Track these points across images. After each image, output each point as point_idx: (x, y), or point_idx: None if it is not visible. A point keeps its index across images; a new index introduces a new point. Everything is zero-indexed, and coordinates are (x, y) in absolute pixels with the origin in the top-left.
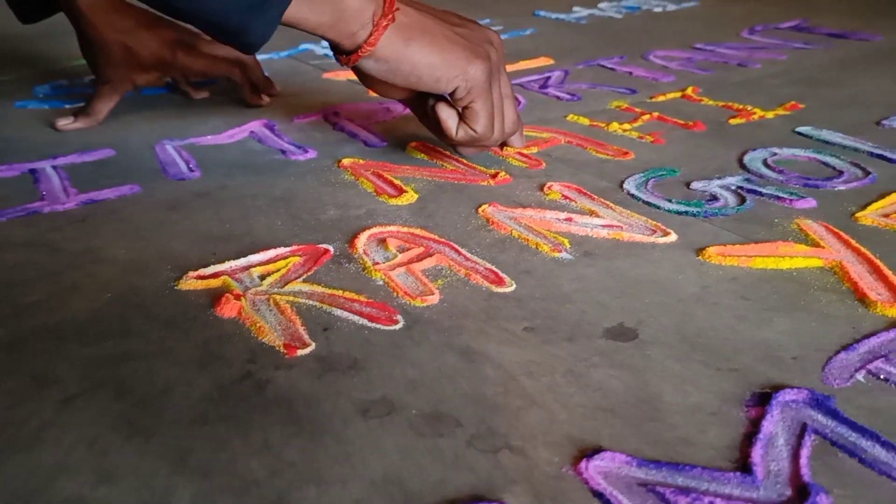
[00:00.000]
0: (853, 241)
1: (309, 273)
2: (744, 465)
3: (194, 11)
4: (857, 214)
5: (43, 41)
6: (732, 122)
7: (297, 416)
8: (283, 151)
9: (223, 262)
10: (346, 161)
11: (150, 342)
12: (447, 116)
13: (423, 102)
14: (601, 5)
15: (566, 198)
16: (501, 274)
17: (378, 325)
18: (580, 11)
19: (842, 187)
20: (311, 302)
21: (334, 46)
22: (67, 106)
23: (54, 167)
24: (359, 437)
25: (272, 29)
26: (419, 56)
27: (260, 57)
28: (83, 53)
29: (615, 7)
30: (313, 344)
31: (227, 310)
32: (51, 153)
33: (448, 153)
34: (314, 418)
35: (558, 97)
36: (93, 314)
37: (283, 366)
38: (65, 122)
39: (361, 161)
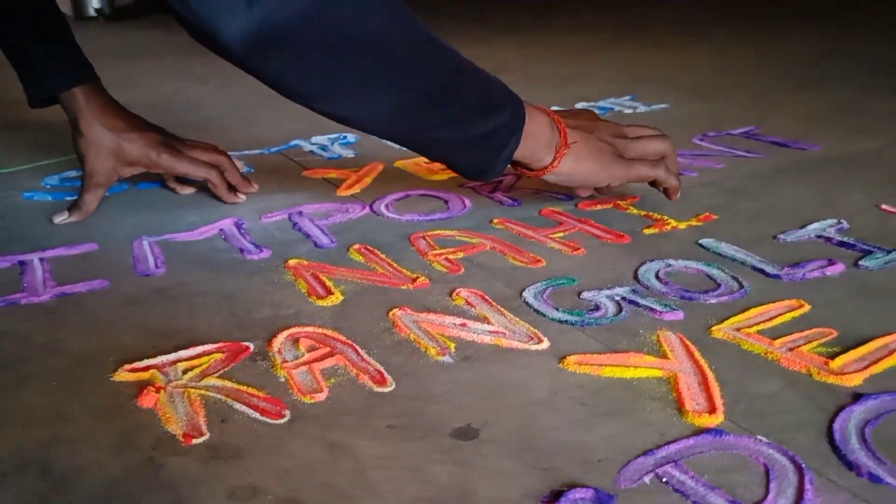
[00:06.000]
0: (696, 353)
1: (226, 369)
2: None
3: (464, 161)
4: (713, 328)
5: (61, 131)
6: (646, 231)
7: (179, 497)
8: (242, 250)
9: (156, 356)
10: (292, 262)
11: (80, 428)
12: (585, 192)
13: None
14: (578, 105)
15: (469, 303)
16: (386, 374)
17: (266, 419)
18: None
19: (713, 300)
20: (218, 395)
21: (521, 165)
22: (69, 198)
23: (41, 259)
24: None
25: (505, 167)
26: (586, 169)
27: (253, 152)
28: (75, 146)
29: (589, 108)
30: (208, 434)
31: (146, 401)
32: (41, 245)
33: (383, 256)
34: (192, 500)
35: (501, 202)
36: (38, 402)
37: (179, 452)
38: (61, 218)
39: (305, 262)
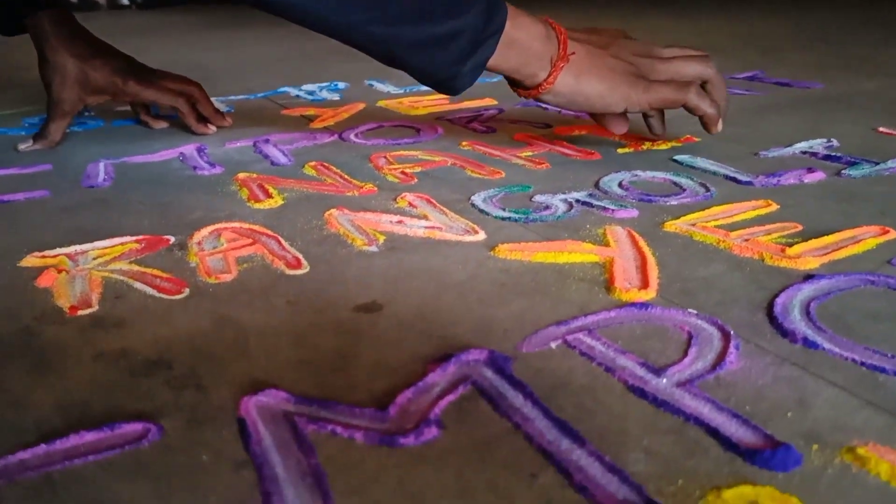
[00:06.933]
0: (641, 242)
1: (139, 257)
2: (386, 405)
3: (419, 66)
4: (667, 223)
5: None
6: (620, 151)
7: (41, 359)
8: (195, 168)
9: (70, 246)
10: (241, 175)
11: None
12: (619, 127)
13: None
14: None
15: (411, 205)
16: (302, 260)
17: (163, 295)
18: None
19: (673, 202)
20: (121, 277)
21: (517, 83)
22: None
23: None
24: (81, 374)
25: (476, 77)
26: (589, 88)
27: (238, 97)
28: (41, 74)
29: None
30: (97, 307)
31: (44, 280)
32: None
33: (336, 170)
34: (53, 360)
35: (475, 129)
36: None
37: (59, 322)
38: (25, 146)
39: (255, 175)
